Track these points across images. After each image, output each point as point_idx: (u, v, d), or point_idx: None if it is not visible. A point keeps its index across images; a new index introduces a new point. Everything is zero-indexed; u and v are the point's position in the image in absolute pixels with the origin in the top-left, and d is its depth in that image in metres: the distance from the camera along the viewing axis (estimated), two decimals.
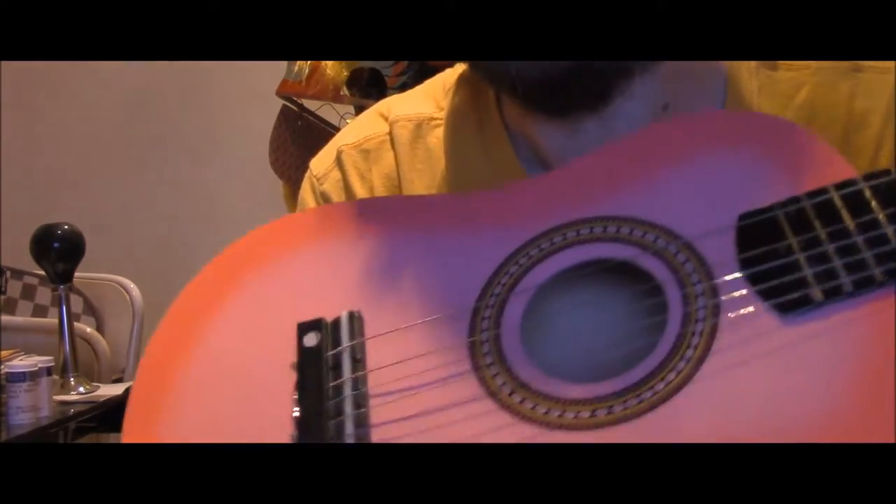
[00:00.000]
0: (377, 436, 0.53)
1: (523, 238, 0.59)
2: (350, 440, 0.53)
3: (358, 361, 0.56)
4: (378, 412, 0.54)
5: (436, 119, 0.74)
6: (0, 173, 2.90)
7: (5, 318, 2.23)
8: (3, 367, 1.68)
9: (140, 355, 2.41)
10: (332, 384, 0.56)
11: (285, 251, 0.64)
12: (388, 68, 2.08)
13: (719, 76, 0.67)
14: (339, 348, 0.57)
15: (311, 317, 0.59)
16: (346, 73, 2.10)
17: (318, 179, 0.76)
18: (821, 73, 0.65)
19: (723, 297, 0.52)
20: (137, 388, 0.59)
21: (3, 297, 2.28)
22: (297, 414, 0.55)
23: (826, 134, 0.59)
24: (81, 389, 1.89)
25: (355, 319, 0.58)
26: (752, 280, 0.52)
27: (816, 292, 0.50)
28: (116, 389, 1.92)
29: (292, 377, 0.57)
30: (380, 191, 0.73)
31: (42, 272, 2.07)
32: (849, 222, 0.51)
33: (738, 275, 0.52)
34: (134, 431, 0.57)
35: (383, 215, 0.65)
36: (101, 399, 1.85)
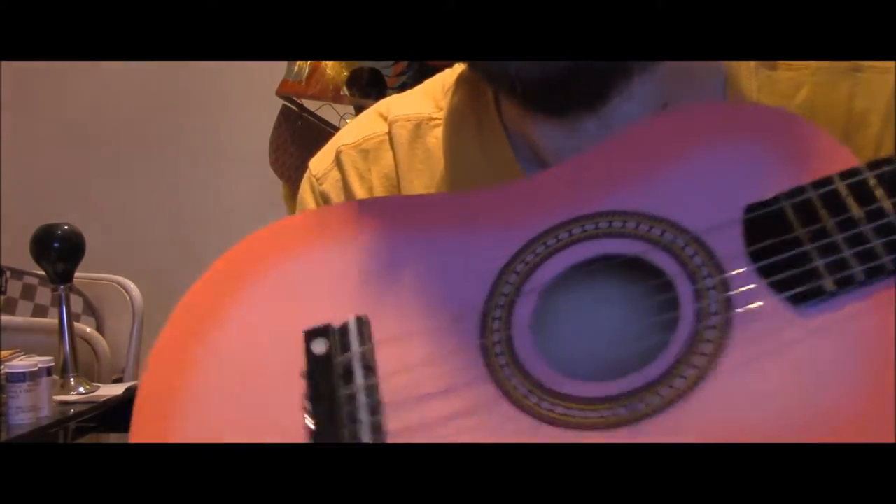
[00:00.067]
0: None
1: (526, 236, 0.58)
2: None
3: (369, 368, 0.55)
4: (393, 419, 0.53)
5: (435, 119, 0.74)
6: (0, 173, 2.90)
7: (5, 318, 2.23)
8: (3, 367, 1.68)
9: (140, 355, 2.42)
10: (344, 392, 0.54)
11: (286, 255, 0.63)
12: (388, 68, 2.08)
13: (719, 76, 0.67)
14: (349, 355, 0.56)
15: (316, 322, 0.58)
16: (346, 73, 2.10)
17: (317, 179, 0.76)
18: (820, 73, 0.65)
19: (734, 291, 0.52)
20: (141, 401, 0.58)
21: (3, 297, 2.28)
22: (310, 423, 0.54)
23: None
24: (81, 389, 1.88)
25: (363, 324, 0.57)
26: (763, 273, 0.52)
27: (828, 283, 0.50)
28: (116, 389, 1.92)
29: (301, 385, 0.56)
30: (379, 191, 0.73)
31: (42, 272, 2.06)
32: (856, 211, 0.51)
33: (748, 268, 0.52)
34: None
35: (383, 216, 0.64)
36: (101, 399, 1.85)
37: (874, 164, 0.52)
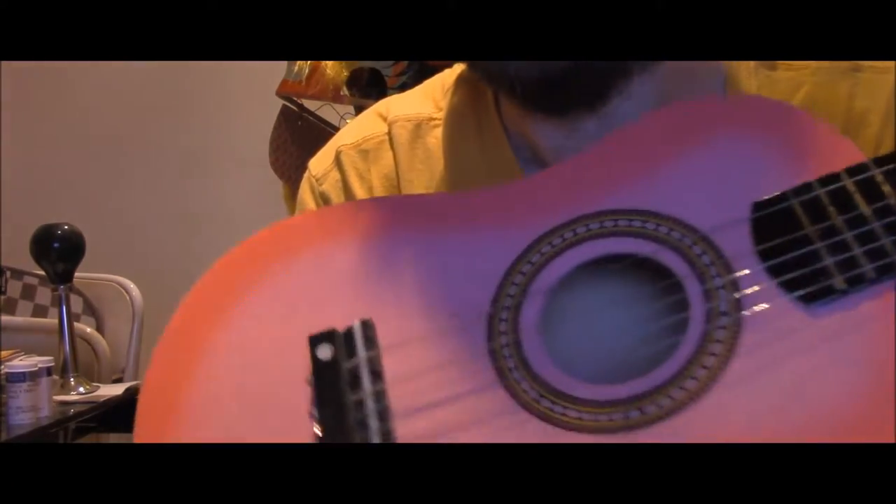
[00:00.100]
0: None
1: (529, 237, 0.58)
2: None
3: (376, 373, 0.54)
4: (402, 426, 0.52)
5: (435, 119, 0.74)
6: (0, 173, 2.90)
7: (5, 318, 2.23)
8: (3, 367, 1.68)
9: (140, 355, 2.42)
10: (352, 398, 0.53)
11: (286, 257, 0.62)
12: (388, 68, 2.08)
13: (718, 76, 0.67)
14: (356, 360, 0.55)
15: (319, 326, 0.57)
16: (346, 73, 2.10)
17: (317, 180, 0.76)
18: (820, 73, 0.65)
19: (744, 292, 0.51)
20: (143, 409, 0.57)
21: (3, 297, 2.28)
22: (317, 430, 0.53)
23: None
24: (81, 389, 1.89)
25: (368, 328, 0.56)
26: (773, 272, 0.51)
27: (839, 281, 0.49)
28: (116, 389, 1.92)
29: (306, 391, 0.55)
30: (379, 191, 0.73)
31: (42, 272, 2.07)
32: (864, 209, 0.51)
33: (758, 267, 0.51)
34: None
35: (383, 216, 0.63)
36: (101, 399, 1.85)
37: (881, 161, 0.52)
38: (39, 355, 1.75)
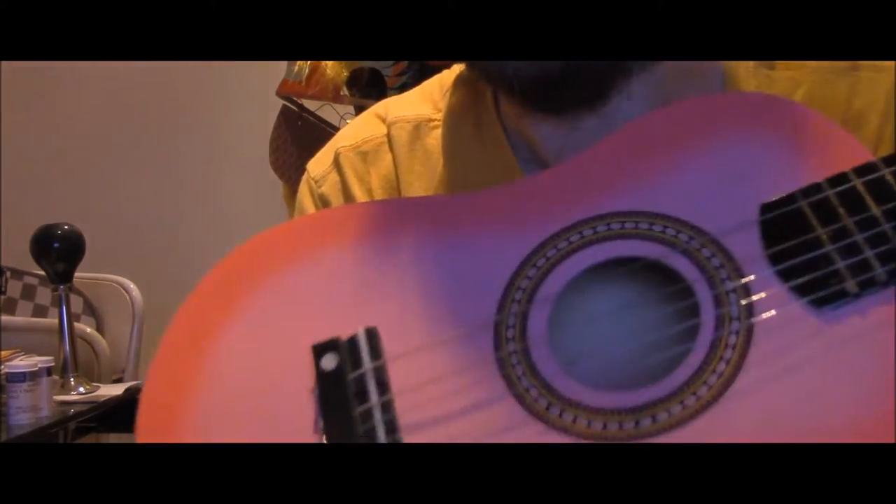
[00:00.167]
0: None
1: (534, 240, 0.56)
2: None
3: (383, 384, 0.53)
4: (411, 438, 0.51)
5: (434, 120, 0.74)
6: (0, 173, 2.90)
7: (5, 318, 2.23)
8: (3, 367, 1.68)
9: (140, 355, 2.43)
10: (358, 409, 0.52)
11: (286, 261, 0.61)
12: (388, 68, 2.08)
13: (717, 76, 0.67)
14: (362, 371, 0.53)
15: (322, 334, 0.55)
16: (346, 73, 2.10)
17: (315, 182, 0.76)
18: (818, 73, 0.65)
19: (756, 296, 0.50)
20: (143, 421, 0.55)
21: (3, 297, 2.28)
22: (324, 441, 0.52)
23: None
24: (81, 389, 1.89)
25: (373, 337, 0.55)
26: (783, 276, 0.50)
27: (851, 285, 0.49)
28: (116, 389, 1.92)
29: (310, 403, 0.53)
30: (378, 193, 0.73)
31: (42, 272, 2.07)
32: (875, 210, 0.50)
33: (768, 271, 0.51)
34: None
35: (383, 219, 0.62)
36: (101, 399, 1.85)
37: (889, 160, 0.51)
38: (39, 355, 1.75)
